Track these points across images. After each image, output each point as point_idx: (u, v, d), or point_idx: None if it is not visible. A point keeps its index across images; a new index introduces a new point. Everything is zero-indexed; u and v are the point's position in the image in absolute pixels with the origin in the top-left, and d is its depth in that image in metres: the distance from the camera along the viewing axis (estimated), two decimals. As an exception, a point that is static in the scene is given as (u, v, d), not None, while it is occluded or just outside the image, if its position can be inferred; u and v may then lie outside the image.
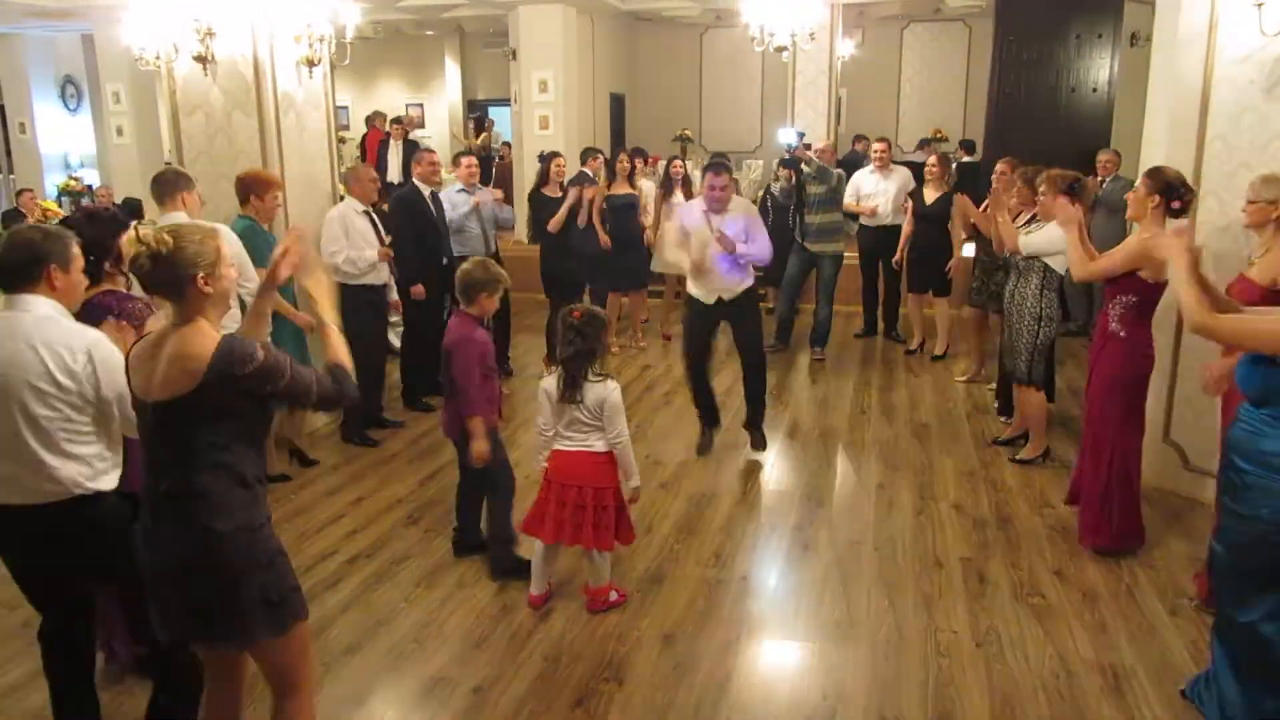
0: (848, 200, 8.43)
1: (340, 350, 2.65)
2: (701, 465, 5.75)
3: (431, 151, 7.04)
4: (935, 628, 3.90)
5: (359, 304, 5.86)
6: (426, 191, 6.70)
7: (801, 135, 8.65)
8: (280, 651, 2.55)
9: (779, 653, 3.81)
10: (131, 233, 2.40)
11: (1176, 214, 4.28)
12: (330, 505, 5.17)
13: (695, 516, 5.03)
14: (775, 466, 5.73)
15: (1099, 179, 8.02)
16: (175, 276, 2.36)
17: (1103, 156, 7.75)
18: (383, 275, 6.16)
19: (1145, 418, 4.54)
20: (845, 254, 8.31)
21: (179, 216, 4.52)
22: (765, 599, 4.21)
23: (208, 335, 2.37)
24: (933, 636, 3.84)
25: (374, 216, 6.13)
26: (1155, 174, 4.31)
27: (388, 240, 6.18)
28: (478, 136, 14.15)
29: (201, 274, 2.38)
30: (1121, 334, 4.38)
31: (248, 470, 2.46)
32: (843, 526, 4.89)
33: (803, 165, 8.00)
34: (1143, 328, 4.40)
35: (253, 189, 5.32)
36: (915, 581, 4.29)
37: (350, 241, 5.93)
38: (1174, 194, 4.21)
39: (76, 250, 2.88)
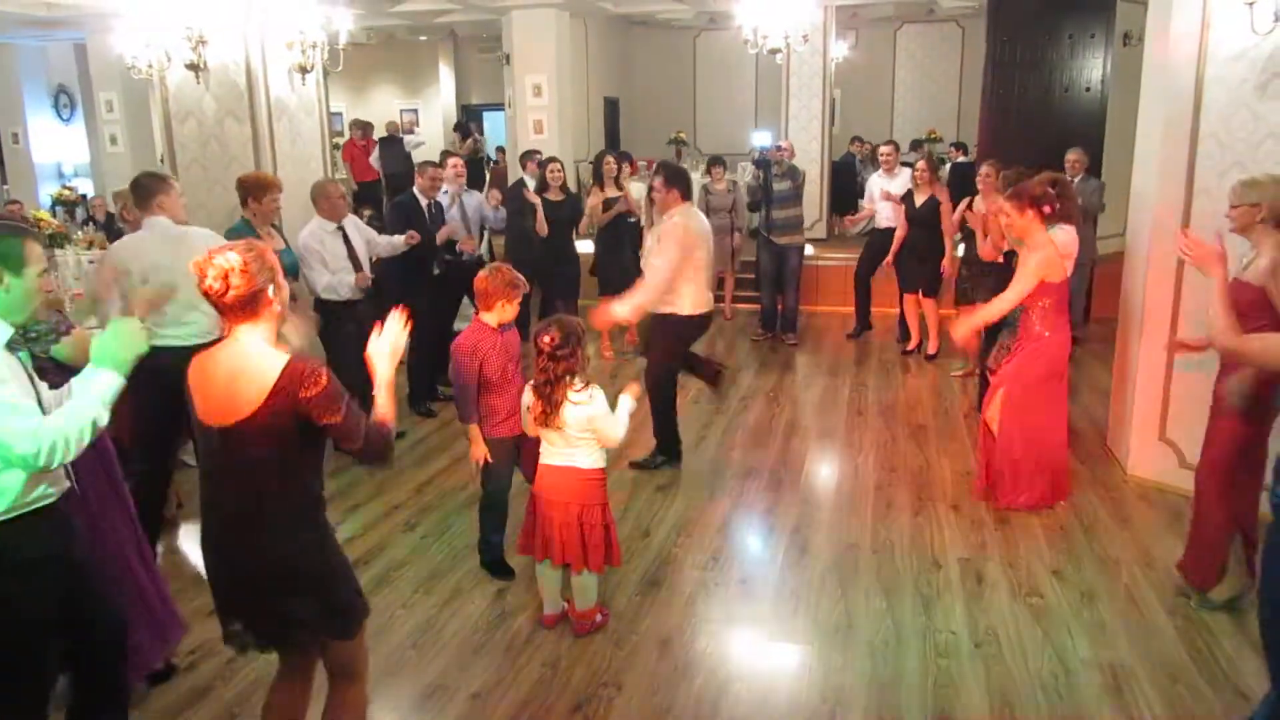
0: (866, 204, 8.85)
1: (388, 413, 2.65)
2: (698, 468, 5.74)
3: (437, 166, 7.03)
4: (934, 629, 3.90)
5: (342, 324, 5.56)
6: (425, 202, 6.71)
7: (780, 146, 9.04)
8: (349, 646, 2.68)
9: (778, 655, 3.80)
10: (201, 261, 2.38)
11: (1053, 217, 4.72)
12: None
13: (692, 519, 5.02)
14: (772, 469, 5.72)
15: (1070, 179, 8.02)
16: (250, 296, 2.40)
17: (1071, 155, 7.71)
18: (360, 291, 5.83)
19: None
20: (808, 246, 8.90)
21: (160, 221, 4.43)
22: (763, 601, 4.20)
23: (273, 354, 2.41)
24: (931, 637, 3.83)
25: (346, 232, 5.85)
26: (1018, 195, 4.76)
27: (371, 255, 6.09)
28: (462, 143, 14.22)
29: (271, 286, 2.45)
30: (1047, 334, 4.82)
31: (314, 483, 2.57)
32: (840, 528, 4.88)
33: (773, 165, 8.48)
34: (1062, 322, 4.87)
35: (251, 191, 5.29)
36: (913, 582, 4.29)
37: (328, 266, 5.69)
38: (1040, 202, 4.68)
39: (35, 251, 2.52)
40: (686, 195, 5.47)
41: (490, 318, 4.06)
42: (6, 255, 2.45)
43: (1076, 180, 8.08)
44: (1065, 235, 4.96)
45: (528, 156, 8.53)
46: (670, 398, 5.64)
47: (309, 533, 2.54)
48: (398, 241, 6.19)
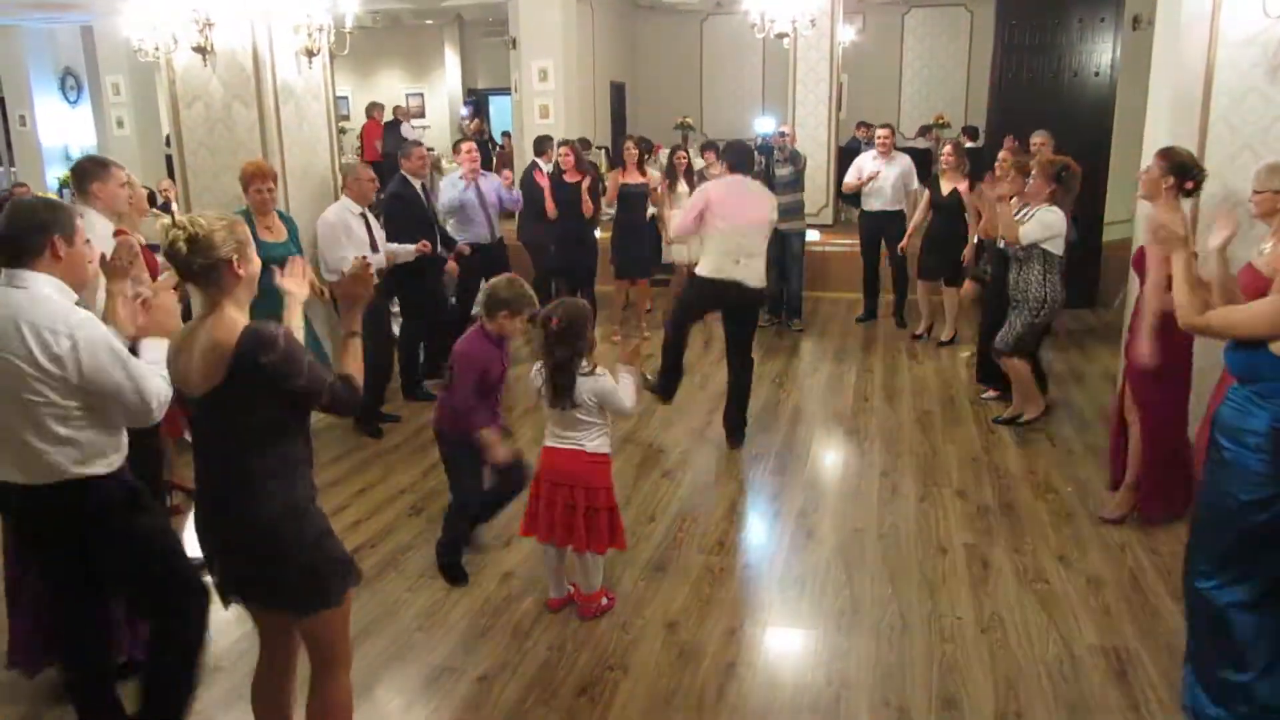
0: (849, 180, 8.84)
1: (355, 362, 2.69)
2: (704, 453, 5.75)
3: (421, 145, 7.07)
4: (939, 614, 3.91)
5: None
6: (417, 184, 6.70)
7: (783, 132, 9.05)
8: (326, 624, 2.66)
9: (783, 640, 3.82)
10: (166, 220, 2.43)
11: (1189, 194, 4.38)
12: (334, 496, 5.16)
13: (698, 504, 5.03)
14: (778, 454, 5.72)
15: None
16: (211, 260, 2.43)
17: (1036, 139, 7.65)
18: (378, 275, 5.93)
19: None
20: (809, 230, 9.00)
21: (89, 214, 4.02)
22: (769, 586, 4.21)
23: (234, 322, 2.44)
24: (936, 622, 3.84)
25: (369, 218, 5.98)
26: (1168, 154, 4.40)
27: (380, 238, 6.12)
28: (471, 121, 14.27)
29: (235, 257, 2.47)
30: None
31: (292, 452, 2.56)
32: (846, 513, 4.89)
33: (775, 151, 8.48)
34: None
35: (241, 184, 5.32)
36: (919, 568, 4.30)
37: (352, 244, 5.75)
38: (1187, 174, 4.32)
39: (81, 221, 2.81)
40: (735, 168, 5.70)
41: (491, 328, 3.93)
42: (64, 224, 2.72)
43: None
44: (1054, 216, 5.38)
45: (545, 144, 8.50)
46: (674, 341, 5.80)
47: (290, 499, 2.53)
48: (407, 250, 6.19)
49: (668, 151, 9.09)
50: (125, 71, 11.69)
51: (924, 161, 8.72)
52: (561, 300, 3.79)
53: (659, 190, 8.27)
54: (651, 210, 8.52)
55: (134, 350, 2.87)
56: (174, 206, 9.18)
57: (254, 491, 2.48)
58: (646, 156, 8.49)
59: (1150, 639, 3.69)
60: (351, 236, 5.81)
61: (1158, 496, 4.61)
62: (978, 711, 3.30)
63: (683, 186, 8.39)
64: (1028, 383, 5.88)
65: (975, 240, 7.38)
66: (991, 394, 6.52)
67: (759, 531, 4.80)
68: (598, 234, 8.48)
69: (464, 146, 7.47)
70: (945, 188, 7.75)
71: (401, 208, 6.57)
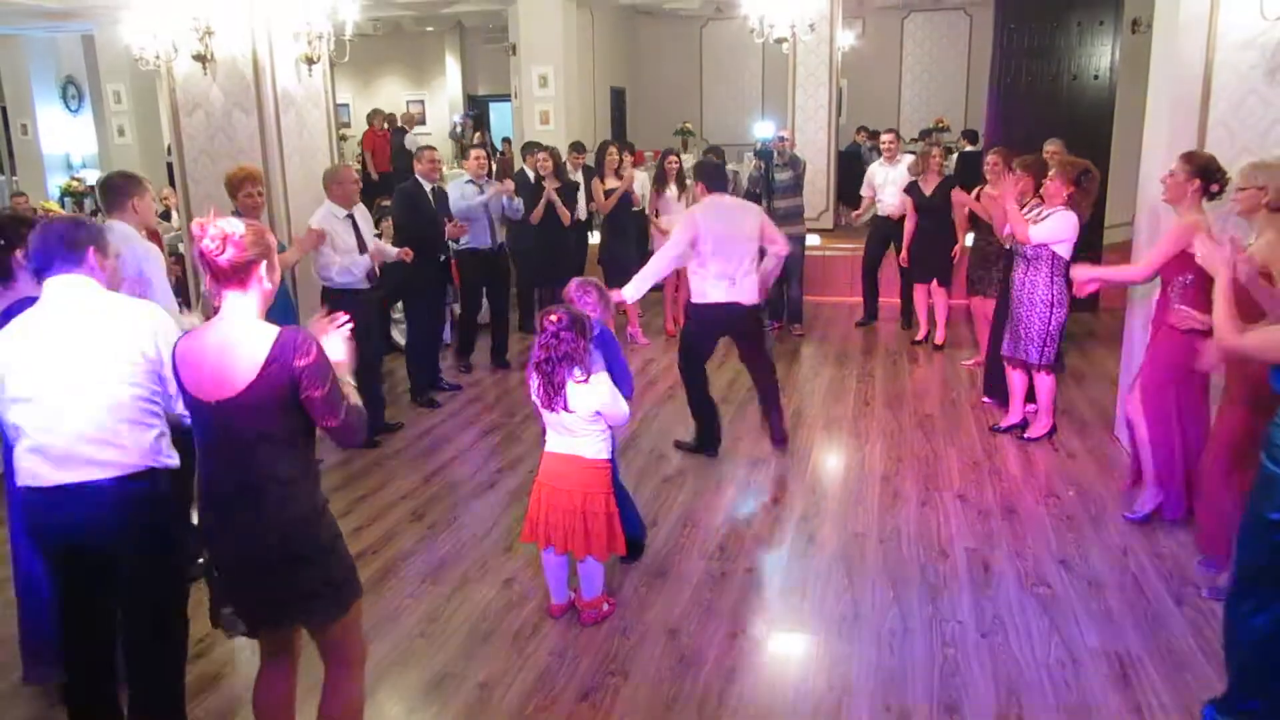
0: (865, 192, 8.95)
1: (356, 396, 2.67)
2: (705, 459, 5.74)
3: (433, 149, 7.16)
4: (940, 618, 3.90)
5: (344, 310, 5.67)
6: (428, 188, 6.72)
7: (782, 136, 9.03)
8: (340, 629, 2.68)
9: (784, 644, 3.82)
10: (205, 220, 2.45)
11: (1214, 196, 4.39)
12: (335, 502, 5.09)
13: (699, 509, 5.03)
14: (778, 458, 5.72)
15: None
16: (244, 262, 2.46)
17: (1050, 147, 7.65)
18: (366, 279, 5.84)
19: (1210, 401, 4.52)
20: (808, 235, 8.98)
21: (119, 226, 4.15)
22: (770, 591, 4.21)
23: (264, 326, 2.47)
24: (938, 627, 3.84)
25: (355, 219, 5.85)
26: (1192, 158, 4.42)
27: (377, 236, 6.13)
28: (475, 133, 14.32)
29: (265, 262, 2.51)
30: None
31: (308, 457, 2.59)
32: (847, 518, 4.89)
33: (775, 155, 8.48)
34: (1205, 305, 4.21)
35: (229, 190, 5.31)
36: (920, 572, 4.29)
37: (337, 251, 5.67)
38: (1212, 177, 4.34)
39: (110, 239, 2.96)
40: (712, 187, 5.54)
41: None
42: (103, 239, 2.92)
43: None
44: (1069, 220, 5.32)
45: (529, 150, 8.56)
46: (693, 382, 5.72)
47: (309, 504, 2.55)
48: (390, 253, 6.19)
49: (660, 155, 9.07)
50: (126, 80, 11.74)
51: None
52: (563, 305, 3.80)
53: (597, 194, 8.27)
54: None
55: None
56: (174, 215, 9.23)
57: (282, 494, 2.49)
58: (623, 160, 8.50)
59: (1152, 642, 3.68)
60: (337, 242, 5.69)
61: (1176, 498, 4.61)
62: (979, 716, 3.29)
63: (672, 190, 8.37)
64: (1051, 399, 5.82)
65: (970, 244, 7.38)
66: (991, 403, 6.50)
67: (760, 536, 4.79)
68: (595, 240, 8.52)
69: (474, 153, 7.53)
70: (927, 189, 7.82)
71: (406, 204, 6.64)
